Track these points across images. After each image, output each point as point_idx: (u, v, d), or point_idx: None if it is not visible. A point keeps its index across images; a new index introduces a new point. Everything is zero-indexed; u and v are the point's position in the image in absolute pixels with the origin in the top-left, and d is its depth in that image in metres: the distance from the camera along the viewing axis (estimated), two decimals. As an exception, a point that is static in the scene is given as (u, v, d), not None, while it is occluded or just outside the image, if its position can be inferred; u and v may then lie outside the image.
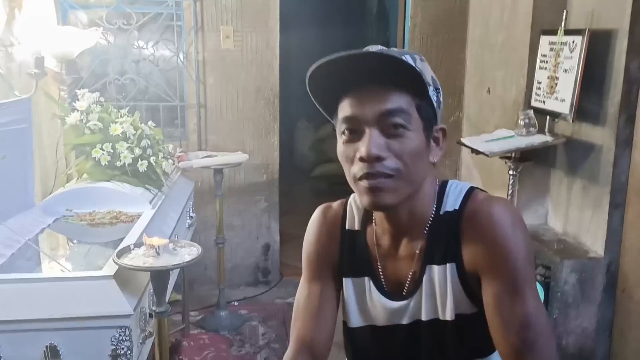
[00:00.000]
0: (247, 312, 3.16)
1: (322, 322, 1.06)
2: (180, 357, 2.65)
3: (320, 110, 1.01)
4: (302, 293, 1.09)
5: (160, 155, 2.37)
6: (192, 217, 2.77)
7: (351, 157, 0.94)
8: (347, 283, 1.08)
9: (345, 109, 0.95)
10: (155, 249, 1.48)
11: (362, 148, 0.92)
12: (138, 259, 1.47)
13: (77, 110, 2.23)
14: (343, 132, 0.96)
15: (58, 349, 1.42)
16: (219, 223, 2.94)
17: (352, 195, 1.10)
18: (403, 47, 3.45)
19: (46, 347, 1.42)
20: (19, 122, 1.90)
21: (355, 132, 0.93)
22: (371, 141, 0.91)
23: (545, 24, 2.48)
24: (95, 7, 3.07)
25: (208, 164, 2.79)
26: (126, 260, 1.46)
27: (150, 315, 1.67)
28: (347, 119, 0.94)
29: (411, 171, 0.93)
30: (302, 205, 5.14)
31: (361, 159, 0.92)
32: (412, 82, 0.92)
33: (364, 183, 0.93)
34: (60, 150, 2.54)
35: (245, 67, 3.27)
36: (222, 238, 2.96)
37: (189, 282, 2.95)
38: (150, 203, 2.16)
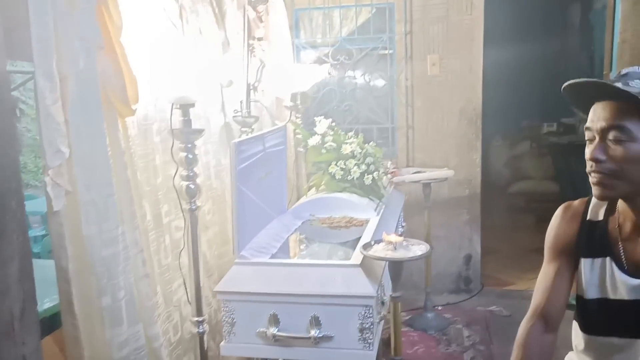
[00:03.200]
0: (451, 316, 3.39)
1: (556, 294, 1.34)
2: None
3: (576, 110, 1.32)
4: (542, 271, 1.40)
5: (381, 170, 2.76)
6: (402, 226, 3.11)
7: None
8: (586, 263, 1.33)
9: (588, 119, 1.25)
10: (393, 245, 1.83)
11: (589, 151, 1.22)
12: (379, 252, 1.84)
13: (317, 134, 2.72)
14: (585, 136, 1.26)
15: (320, 319, 1.83)
16: (426, 232, 3.25)
17: None
18: (610, 62, 3.43)
19: (311, 317, 1.84)
20: (279, 145, 2.42)
21: (590, 138, 1.24)
22: (595, 147, 1.20)
23: None
24: (322, 47, 3.62)
25: (419, 179, 3.12)
26: (371, 252, 1.83)
27: (382, 303, 2.03)
28: (586, 128, 1.25)
29: (629, 173, 1.18)
30: (499, 221, 5.24)
31: (588, 159, 1.22)
32: (637, 107, 1.16)
33: (590, 177, 1.22)
34: (298, 166, 3.09)
35: (449, 90, 3.56)
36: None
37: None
38: (375, 211, 2.55)
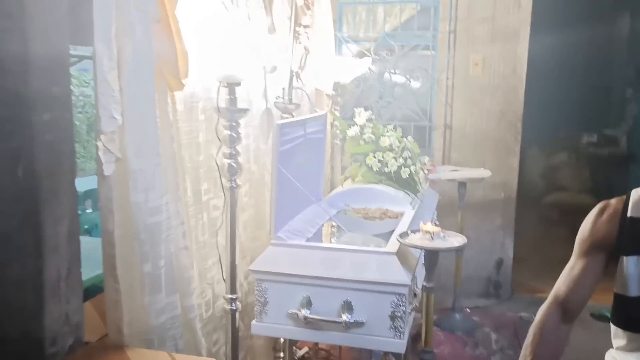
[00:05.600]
0: (479, 319, 3.36)
1: (580, 287, 1.35)
2: (420, 345, 2.96)
3: None
4: (569, 264, 1.40)
5: (418, 165, 2.75)
6: (436, 224, 3.09)
7: None
8: (631, 260, 1.31)
9: None
10: (430, 234, 1.82)
11: None
12: (416, 240, 1.83)
13: (357, 125, 2.73)
14: None
15: (352, 304, 1.84)
16: (459, 232, 3.21)
17: (633, 191, 1.35)
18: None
19: (343, 301, 1.84)
20: (318, 133, 2.44)
21: None
22: None
23: None
24: (364, 41, 3.63)
25: (455, 177, 3.10)
26: (407, 240, 1.83)
27: (414, 294, 2.03)
28: None
29: None
30: (531, 230, 5.16)
31: None
32: None
33: None
34: (333, 159, 3.10)
35: (490, 92, 3.53)
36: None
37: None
38: (410, 204, 2.54)
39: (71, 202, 1.45)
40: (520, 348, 2.78)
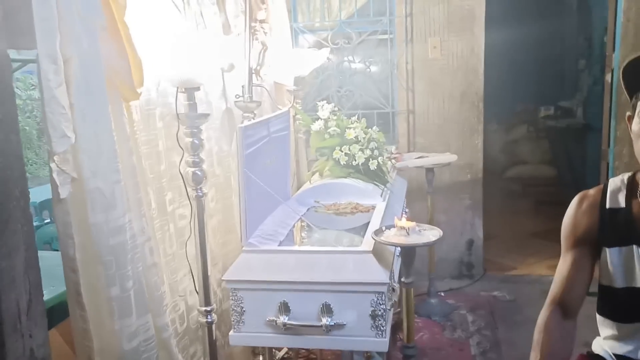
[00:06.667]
0: (454, 301, 3.38)
1: (574, 284, 1.32)
2: (399, 335, 2.96)
3: (624, 89, 1.26)
4: (560, 262, 1.36)
5: (385, 155, 2.71)
6: (406, 212, 3.07)
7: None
8: (613, 252, 1.29)
9: None
10: (406, 230, 1.79)
11: None
12: (392, 237, 1.80)
13: (320, 119, 2.67)
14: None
15: (331, 307, 1.79)
16: (429, 218, 3.21)
17: (609, 180, 1.31)
18: (613, 42, 3.39)
19: (322, 305, 1.80)
20: (283, 130, 2.37)
21: None
22: None
23: None
24: (320, 31, 3.56)
25: (422, 164, 3.08)
26: (383, 238, 1.79)
27: (392, 289, 2.00)
28: None
29: None
30: (496, 206, 5.22)
31: None
32: None
33: None
34: (298, 153, 3.04)
35: (451, 74, 3.51)
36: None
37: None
38: (380, 197, 2.51)
39: (27, 229, 1.34)
40: (497, 327, 2.79)
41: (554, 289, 1.34)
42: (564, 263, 1.35)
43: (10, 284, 1.28)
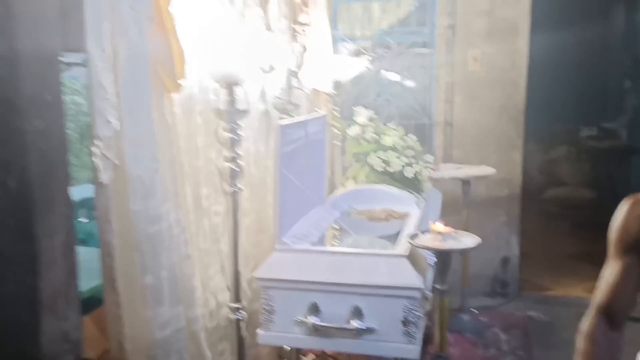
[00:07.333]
0: (487, 319, 3.29)
1: (622, 292, 1.26)
2: (429, 348, 2.90)
3: None
4: (607, 269, 1.30)
5: (422, 164, 2.69)
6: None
7: None
8: None
9: None
10: (442, 235, 1.75)
11: None
12: (428, 242, 1.77)
13: (357, 124, 2.66)
14: None
15: (362, 310, 1.77)
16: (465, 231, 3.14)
17: None
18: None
19: (353, 307, 1.78)
20: (319, 133, 2.37)
21: None
22: None
23: None
24: (360, 39, 3.56)
25: (459, 175, 3.03)
26: (419, 242, 1.76)
27: (425, 298, 1.96)
28: None
29: None
30: (533, 226, 5.09)
31: None
32: None
33: None
34: (332, 160, 3.03)
35: (490, 86, 3.46)
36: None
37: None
38: (415, 204, 2.48)
39: (67, 213, 1.37)
40: (532, 347, 2.70)
41: (601, 297, 1.28)
42: (612, 269, 1.29)
43: (49, 263, 1.30)
